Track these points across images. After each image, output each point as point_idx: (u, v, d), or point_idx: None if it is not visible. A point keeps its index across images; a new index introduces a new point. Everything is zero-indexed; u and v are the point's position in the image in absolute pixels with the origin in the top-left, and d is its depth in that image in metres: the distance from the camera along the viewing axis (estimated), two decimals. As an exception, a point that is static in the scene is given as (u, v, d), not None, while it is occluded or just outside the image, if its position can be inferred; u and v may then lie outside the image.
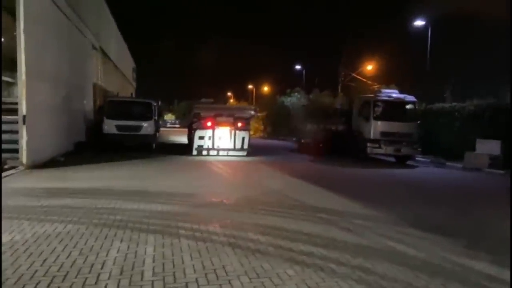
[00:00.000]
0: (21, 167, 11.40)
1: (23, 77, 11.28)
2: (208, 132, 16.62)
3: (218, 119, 16.64)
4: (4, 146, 11.60)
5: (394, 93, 16.95)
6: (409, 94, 17.29)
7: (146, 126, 16.66)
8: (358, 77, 34.01)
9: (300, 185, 10.21)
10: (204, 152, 16.70)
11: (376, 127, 15.91)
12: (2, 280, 3.79)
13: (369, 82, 31.45)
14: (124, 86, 38.02)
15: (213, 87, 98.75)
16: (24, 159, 11.42)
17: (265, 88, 54.29)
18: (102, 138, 16.38)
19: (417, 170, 14.98)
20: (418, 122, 16.20)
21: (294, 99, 34.57)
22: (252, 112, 17.67)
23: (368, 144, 15.93)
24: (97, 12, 24.58)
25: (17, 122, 11.49)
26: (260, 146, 27.42)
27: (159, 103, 30.02)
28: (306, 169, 14.20)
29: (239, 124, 16.71)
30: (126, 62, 41.41)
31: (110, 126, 16.22)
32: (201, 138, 16.66)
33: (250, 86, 54.09)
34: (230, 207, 7.19)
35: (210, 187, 9.33)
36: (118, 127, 16.24)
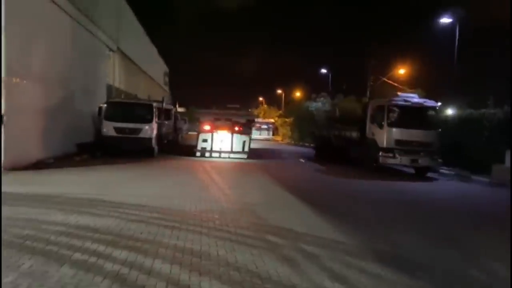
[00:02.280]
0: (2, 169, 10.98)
1: (3, 75, 10.89)
2: (210, 135, 17.43)
3: (216, 123, 17.47)
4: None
5: (413, 98, 15.26)
6: (440, 99, 15.61)
7: (146, 129, 15.97)
8: (389, 81, 32.10)
9: (281, 199, 9.01)
10: (207, 154, 17.46)
11: (390, 135, 14.33)
12: None
13: (400, 86, 29.49)
14: (151, 90, 37.87)
15: (246, 92, 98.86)
16: (2, 160, 10.99)
17: (297, 94, 52.92)
18: (101, 140, 15.88)
19: (434, 185, 13.31)
20: (440, 130, 14.44)
21: (319, 105, 33.06)
22: (249, 118, 17.87)
23: (381, 153, 14.37)
24: (116, 15, 24.39)
25: (-3, 123, 11.12)
26: (276, 152, 26.31)
27: (176, 106, 29.65)
28: (304, 180, 12.94)
29: (237, 128, 17.35)
30: (155, 66, 41.26)
31: (108, 128, 15.68)
32: (205, 140, 17.55)
33: (279, 91, 53.03)
34: (172, 223, 6.12)
35: (177, 197, 8.32)
36: (117, 130, 15.67)
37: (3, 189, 8.16)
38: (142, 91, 32.85)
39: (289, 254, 4.92)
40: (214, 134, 17.51)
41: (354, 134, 16.80)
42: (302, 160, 19.47)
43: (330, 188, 11.37)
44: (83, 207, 6.93)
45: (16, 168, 11.25)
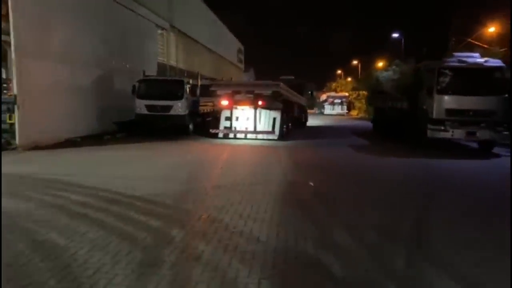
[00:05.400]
0: (20, 148, 11.36)
1: (13, 55, 11.06)
2: (234, 112, 14.97)
3: (235, 97, 14.72)
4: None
5: (473, 57, 12.46)
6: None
7: (177, 106, 15.49)
8: (476, 42, 27.66)
9: (262, 183, 7.73)
10: (231, 135, 15.01)
11: (440, 103, 11.90)
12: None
13: (487, 47, 25.19)
14: (221, 68, 37.68)
15: (323, 66, 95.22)
16: (17, 140, 11.33)
17: (379, 63, 48.98)
18: (135, 118, 15.84)
19: (487, 163, 10.82)
20: (507, 96, 11.60)
21: (391, 73, 29.70)
22: (276, 89, 14.72)
23: (429, 126, 12.05)
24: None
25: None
26: (336, 129, 24.38)
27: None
28: (328, 159, 11.38)
29: (260, 103, 14.46)
30: (225, 44, 40.73)
31: (141, 106, 15.54)
32: (228, 119, 15.07)
33: (355, 62, 49.41)
34: (91, 210, 5.38)
35: (154, 178, 7.60)
36: (148, 107, 15.47)
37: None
38: (209, 70, 32.81)
39: (165, 257, 3.84)
40: (237, 110, 14.95)
41: (405, 105, 14.49)
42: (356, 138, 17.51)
43: (353, 170, 9.60)
44: (32, 189, 6.57)
45: (38, 147, 11.56)
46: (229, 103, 14.74)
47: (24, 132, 11.36)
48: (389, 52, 38.73)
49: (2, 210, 5.22)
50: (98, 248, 4.01)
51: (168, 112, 15.51)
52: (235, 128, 14.95)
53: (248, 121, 14.82)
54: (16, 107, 11.19)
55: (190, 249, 4.05)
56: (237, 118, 14.94)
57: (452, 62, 12.16)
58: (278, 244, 4.24)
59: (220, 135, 15.08)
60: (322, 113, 43.74)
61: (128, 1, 18.14)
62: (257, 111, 14.63)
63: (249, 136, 14.87)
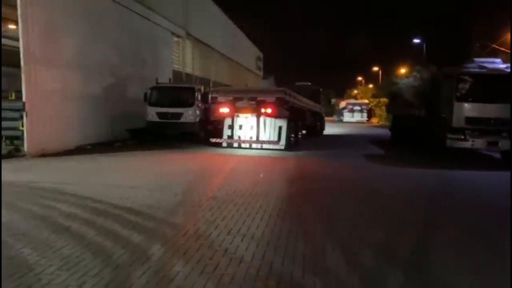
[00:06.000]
0: (28, 155, 11.34)
1: (22, 62, 11.06)
2: (237, 120, 14.27)
3: (237, 104, 13.98)
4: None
5: (494, 63, 11.82)
6: None
7: (187, 114, 15.30)
8: (501, 48, 26.63)
9: (253, 194, 7.39)
10: (235, 144, 14.27)
11: (460, 111, 11.28)
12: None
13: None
14: (237, 75, 37.58)
15: (344, 72, 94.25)
16: (25, 147, 11.32)
17: (402, 70, 47.94)
18: (146, 126, 15.73)
19: (497, 176, 10.09)
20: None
21: (411, 80, 28.84)
22: (281, 95, 13.82)
23: (448, 135, 11.44)
24: (183, 1, 24.06)
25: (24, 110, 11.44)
26: (354, 137, 23.77)
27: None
28: (335, 171, 10.90)
29: (263, 110, 13.66)
30: (243, 51, 40.66)
31: (152, 113, 15.43)
32: (231, 127, 14.34)
33: (376, 69, 48.40)
34: (74, 222, 5.19)
35: (150, 189, 7.34)
36: (159, 115, 15.35)
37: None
38: (225, 77, 32.71)
39: (136, 279, 3.54)
40: (240, 118, 14.11)
41: (424, 112, 13.88)
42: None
43: (349, 183, 9.01)
44: (24, 198, 6.38)
45: (47, 154, 11.54)
46: (230, 111, 14.11)
47: (33, 139, 11.35)
48: (411, 58, 37.79)
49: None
50: (68, 267, 3.74)
51: (179, 120, 15.34)
52: (238, 137, 14.23)
53: (252, 130, 14.03)
54: (24, 114, 11.22)
55: (165, 270, 3.73)
56: (240, 127, 14.20)
57: (472, 68, 11.55)
58: (263, 266, 3.87)
59: (224, 144, 14.40)
60: (341, 121, 43.01)
61: (142, 9, 18.20)
62: (261, 119, 13.84)
63: (254, 146, 14.06)
